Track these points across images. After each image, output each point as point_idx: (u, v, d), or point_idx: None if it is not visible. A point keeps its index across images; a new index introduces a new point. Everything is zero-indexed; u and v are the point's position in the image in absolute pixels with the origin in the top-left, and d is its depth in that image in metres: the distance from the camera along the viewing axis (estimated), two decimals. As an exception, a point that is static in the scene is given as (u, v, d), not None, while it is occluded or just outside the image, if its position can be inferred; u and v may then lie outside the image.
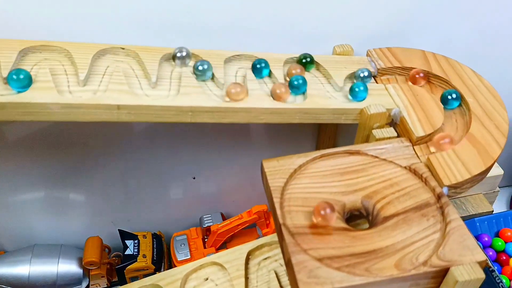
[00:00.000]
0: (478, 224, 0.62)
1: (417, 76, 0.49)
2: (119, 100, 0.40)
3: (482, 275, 0.34)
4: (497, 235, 0.62)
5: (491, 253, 0.60)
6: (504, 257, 0.60)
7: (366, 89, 0.46)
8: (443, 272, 0.35)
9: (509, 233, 0.61)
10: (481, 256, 0.35)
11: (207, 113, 0.42)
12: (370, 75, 0.49)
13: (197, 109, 0.42)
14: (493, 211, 0.63)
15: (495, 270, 0.54)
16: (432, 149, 0.43)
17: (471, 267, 0.34)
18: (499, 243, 0.61)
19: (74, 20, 0.47)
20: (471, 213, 0.61)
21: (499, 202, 0.80)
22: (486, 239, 0.61)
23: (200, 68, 0.44)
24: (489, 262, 0.54)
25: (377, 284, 0.34)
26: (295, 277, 0.34)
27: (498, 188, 0.66)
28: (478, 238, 0.61)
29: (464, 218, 0.62)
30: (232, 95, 0.42)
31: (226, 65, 0.46)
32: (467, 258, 0.35)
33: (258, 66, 0.46)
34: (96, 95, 0.40)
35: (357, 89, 0.45)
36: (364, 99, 0.46)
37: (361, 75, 0.48)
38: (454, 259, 0.35)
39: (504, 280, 0.56)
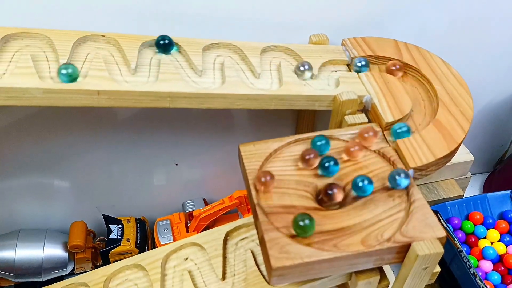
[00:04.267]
0: (449, 207, 0.64)
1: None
2: (99, 86, 0.41)
3: (441, 250, 0.36)
4: (467, 218, 0.65)
5: (460, 235, 0.63)
6: (473, 239, 0.63)
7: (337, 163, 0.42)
8: (406, 248, 0.37)
9: (478, 216, 0.64)
10: (441, 232, 0.37)
11: (185, 99, 0.44)
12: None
13: (176, 94, 0.43)
14: (463, 195, 0.66)
15: (463, 251, 0.56)
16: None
17: (431, 243, 0.36)
18: (468, 225, 0.63)
19: (55, 8, 0.48)
20: (442, 197, 0.64)
21: (473, 188, 0.83)
22: (456, 221, 0.63)
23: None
24: (458, 243, 0.57)
25: (343, 258, 0.36)
26: (268, 253, 0.36)
27: (470, 173, 0.68)
28: (448, 221, 0.64)
29: (435, 202, 0.64)
30: None
31: (204, 53, 0.48)
32: (428, 235, 0.37)
33: (318, 143, 0.43)
34: (77, 81, 0.41)
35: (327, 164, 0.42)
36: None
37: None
38: (416, 235, 0.37)
39: (472, 261, 0.59)
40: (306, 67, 0.48)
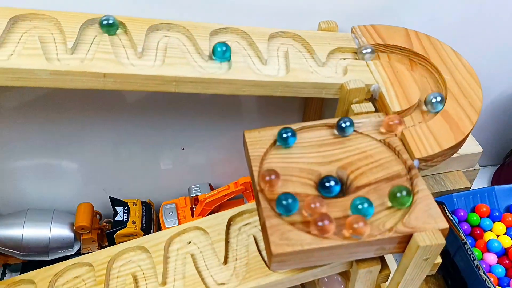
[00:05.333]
0: (455, 199, 0.64)
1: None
2: (105, 68, 0.41)
3: (442, 241, 0.36)
4: (473, 210, 0.65)
5: (466, 227, 0.63)
6: (478, 231, 0.63)
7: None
8: (408, 238, 0.37)
9: (484, 209, 0.64)
10: (444, 224, 0.37)
11: (191, 84, 0.44)
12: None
13: (181, 79, 0.43)
14: (470, 187, 0.65)
15: (468, 243, 0.56)
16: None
17: (433, 234, 0.36)
18: (474, 217, 0.63)
19: (64, -10, 0.48)
20: (449, 189, 0.64)
21: (481, 180, 0.82)
22: (462, 213, 0.63)
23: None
24: (462, 235, 0.56)
25: (344, 247, 0.36)
26: (268, 239, 0.36)
27: (478, 166, 0.68)
28: (454, 212, 0.64)
29: (442, 193, 0.64)
30: None
31: (212, 38, 0.48)
32: (430, 226, 0.37)
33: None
34: (83, 63, 0.41)
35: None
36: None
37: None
38: (418, 226, 0.37)
39: (476, 253, 0.59)
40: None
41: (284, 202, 0.37)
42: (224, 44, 0.45)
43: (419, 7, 0.58)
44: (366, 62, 0.50)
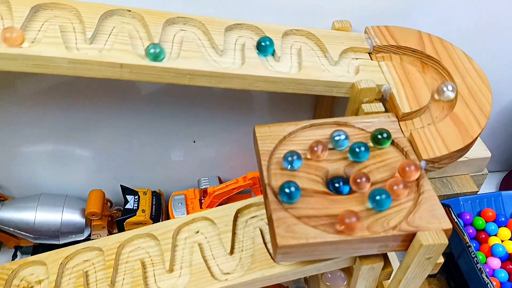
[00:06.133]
0: (461, 202, 0.64)
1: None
2: (122, 59, 0.42)
3: (445, 241, 0.37)
4: (479, 214, 0.65)
5: (471, 230, 0.63)
6: (483, 236, 0.63)
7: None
8: (411, 237, 0.37)
9: (490, 214, 0.64)
10: (447, 224, 0.38)
11: (205, 77, 0.45)
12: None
13: (196, 72, 0.44)
14: (477, 191, 0.65)
15: (472, 246, 0.57)
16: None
17: (436, 234, 0.37)
18: (479, 222, 0.63)
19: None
20: (455, 192, 0.64)
21: (489, 186, 0.82)
22: (468, 217, 0.63)
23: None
24: (467, 238, 0.57)
25: (348, 242, 0.37)
26: (274, 231, 0.37)
27: (486, 170, 0.68)
28: (460, 215, 0.64)
29: (448, 196, 0.64)
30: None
31: (226, 33, 0.49)
32: (434, 226, 0.37)
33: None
34: (101, 53, 0.42)
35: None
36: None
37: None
38: (422, 225, 0.37)
39: (480, 257, 0.59)
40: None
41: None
42: (267, 38, 0.47)
43: (434, 10, 0.58)
44: (379, 63, 0.50)
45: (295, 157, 0.41)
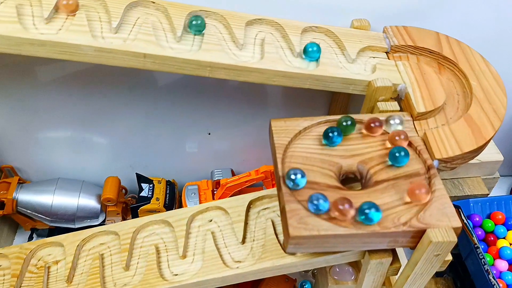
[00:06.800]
0: (472, 204, 0.64)
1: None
2: (146, 49, 0.44)
3: (454, 239, 0.37)
4: (488, 217, 0.65)
5: (480, 232, 0.64)
6: (492, 238, 0.64)
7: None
8: (421, 234, 0.38)
9: (500, 216, 0.64)
10: (457, 223, 0.38)
11: (224, 70, 0.46)
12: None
13: (216, 65, 0.45)
14: (488, 194, 0.66)
15: (480, 248, 0.57)
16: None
17: (446, 231, 0.38)
18: (489, 224, 0.64)
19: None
20: (466, 194, 0.64)
21: (500, 189, 0.82)
22: (477, 219, 0.64)
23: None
24: (475, 239, 0.57)
25: (358, 236, 0.38)
26: (287, 222, 0.38)
27: (498, 174, 0.68)
28: (469, 217, 0.64)
29: (459, 198, 0.64)
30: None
31: (247, 27, 0.50)
32: (443, 223, 0.38)
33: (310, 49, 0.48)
34: (125, 43, 0.44)
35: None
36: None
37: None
38: (432, 223, 0.38)
39: (487, 258, 0.60)
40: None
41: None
42: (315, 44, 0.48)
43: (453, 11, 0.58)
44: (396, 62, 0.51)
45: (298, 175, 0.40)
